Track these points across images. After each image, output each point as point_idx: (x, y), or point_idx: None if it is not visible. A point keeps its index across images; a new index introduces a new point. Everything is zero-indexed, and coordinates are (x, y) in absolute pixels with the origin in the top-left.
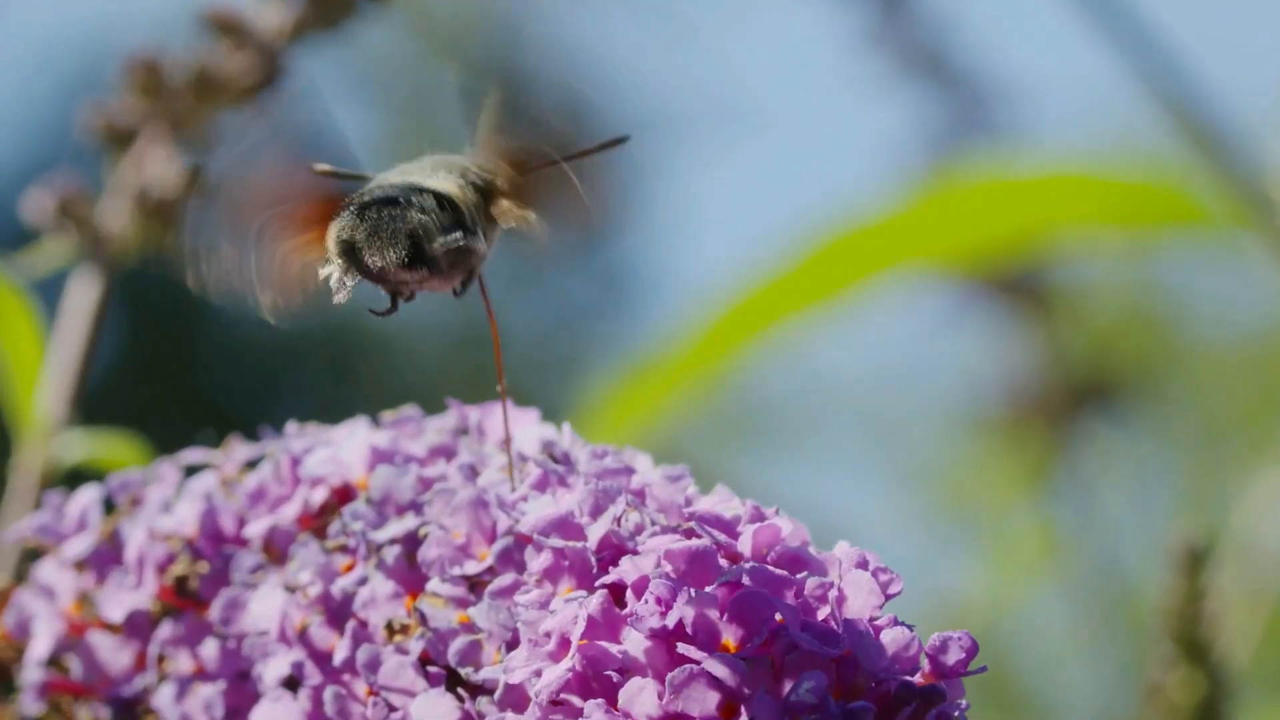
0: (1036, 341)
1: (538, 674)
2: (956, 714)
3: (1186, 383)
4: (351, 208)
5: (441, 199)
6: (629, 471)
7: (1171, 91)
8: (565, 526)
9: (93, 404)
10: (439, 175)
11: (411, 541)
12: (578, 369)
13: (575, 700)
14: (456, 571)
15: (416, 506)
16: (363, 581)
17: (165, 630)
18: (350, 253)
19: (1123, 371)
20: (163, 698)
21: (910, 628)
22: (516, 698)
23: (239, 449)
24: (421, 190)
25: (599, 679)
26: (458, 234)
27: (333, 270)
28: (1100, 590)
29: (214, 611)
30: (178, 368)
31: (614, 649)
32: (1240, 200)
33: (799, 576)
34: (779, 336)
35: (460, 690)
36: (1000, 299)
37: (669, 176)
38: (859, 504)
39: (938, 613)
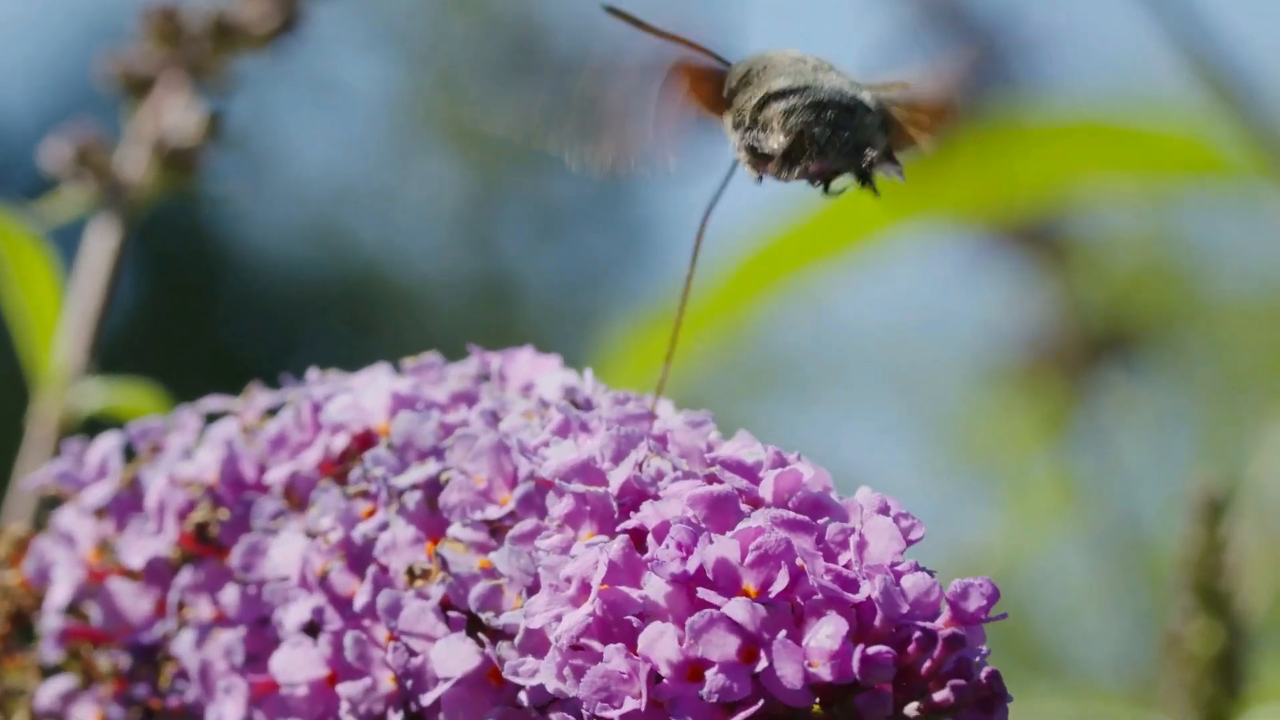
0: (1055, 292)
1: (558, 619)
2: (977, 660)
3: (1205, 334)
4: (800, 98)
5: (883, 121)
6: (651, 417)
7: (1193, 42)
8: (587, 471)
9: (110, 354)
10: (866, 94)
11: (433, 487)
12: (597, 321)
13: (595, 645)
14: (478, 516)
15: (438, 452)
16: (384, 527)
17: (185, 577)
18: (800, 143)
19: (1141, 322)
20: (183, 644)
21: (931, 573)
22: (537, 642)
23: (260, 396)
24: (869, 108)
25: (619, 624)
26: (897, 167)
27: (758, 148)
28: (1118, 541)
29: (234, 558)
30: (196, 319)
31: (634, 594)
32: (1261, 151)
33: (820, 522)
34: (798, 287)
35: (481, 635)
36: (1019, 250)
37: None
38: (878, 455)
39: (956, 563)
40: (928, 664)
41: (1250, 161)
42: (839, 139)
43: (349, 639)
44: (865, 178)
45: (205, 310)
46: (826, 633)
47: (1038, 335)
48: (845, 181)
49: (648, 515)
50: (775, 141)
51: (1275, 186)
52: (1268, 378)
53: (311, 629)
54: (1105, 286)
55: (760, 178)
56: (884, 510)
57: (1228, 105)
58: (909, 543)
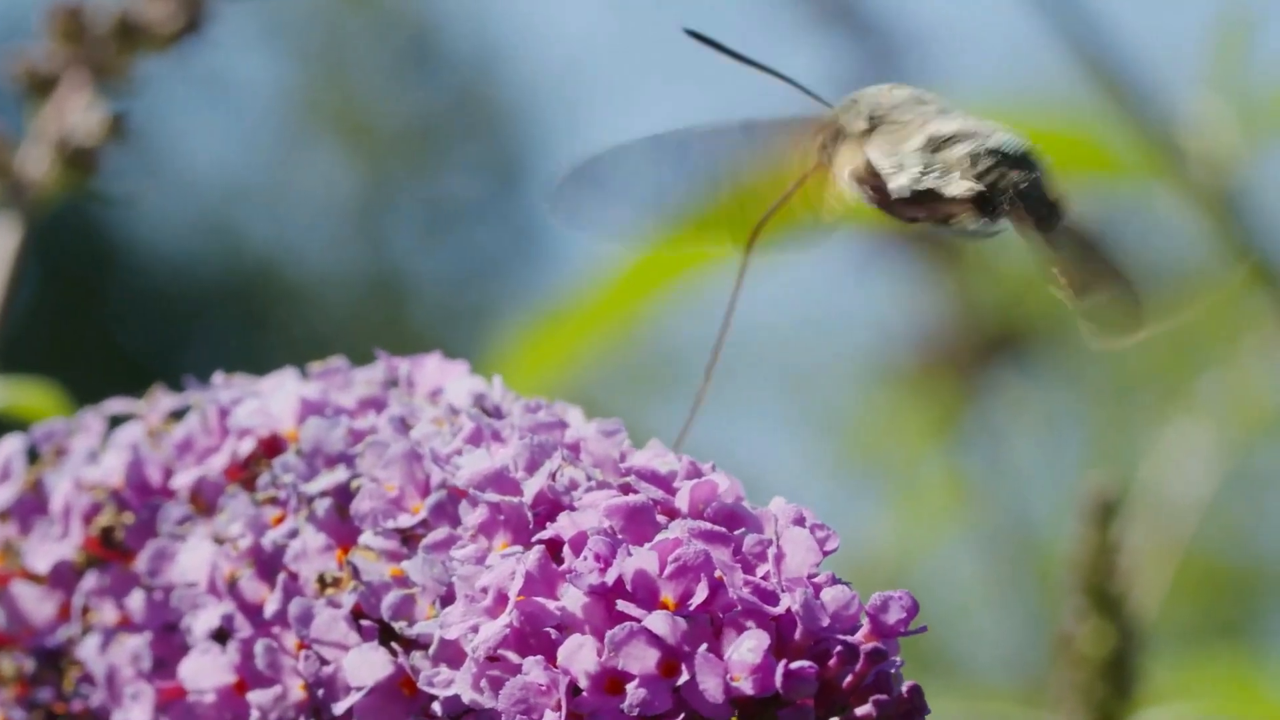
0: (947, 292)
1: (474, 629)
2: (894, 672)
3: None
4: (979, 143)
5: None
6: (563, 425)
7: (1085, 41)
8: (501, 481)
9: (5, 352)
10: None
11: (343, 494)
12: (489, 318)
13: (513, 656)
14: (389, 524)
15: (347, 459)
16: (293, 534)
17: (90, 581)
18: (991, 196)
19: (1033, 322)
20: (88, 649)
21: (849, 585)
22: (452, 653)
23: (164, 399)
24: (1038, 158)
25: (537, 635)
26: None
27: (940, 191)
28: (1009, 540)
29: (141, 562)
30: (88, 315)
31: (552, 605)
32: (1151, 149)
33: (737, 533)
34: (690, 285)
35: (393, 644)
36: (912, 249)
37: (581, 126)
38: (771, 454)
39: (849, 562)
40: (849, 678)
41: (1141, 160)
42: (1035, 188)
43: (259, 646)
44: (1047, 227)
45: (96, 307)
46: (748, 646)
47: (930, 334)
48: (1000, 227)
49: (564, 526)
50: (961, 188)
51: (1166, 186)
52: (1158, 378)
53: (220, 636)
54: (998, 286)
55: (912, 219)
56: (800, 521)
57: (1119, 105)
58: (825, 554)
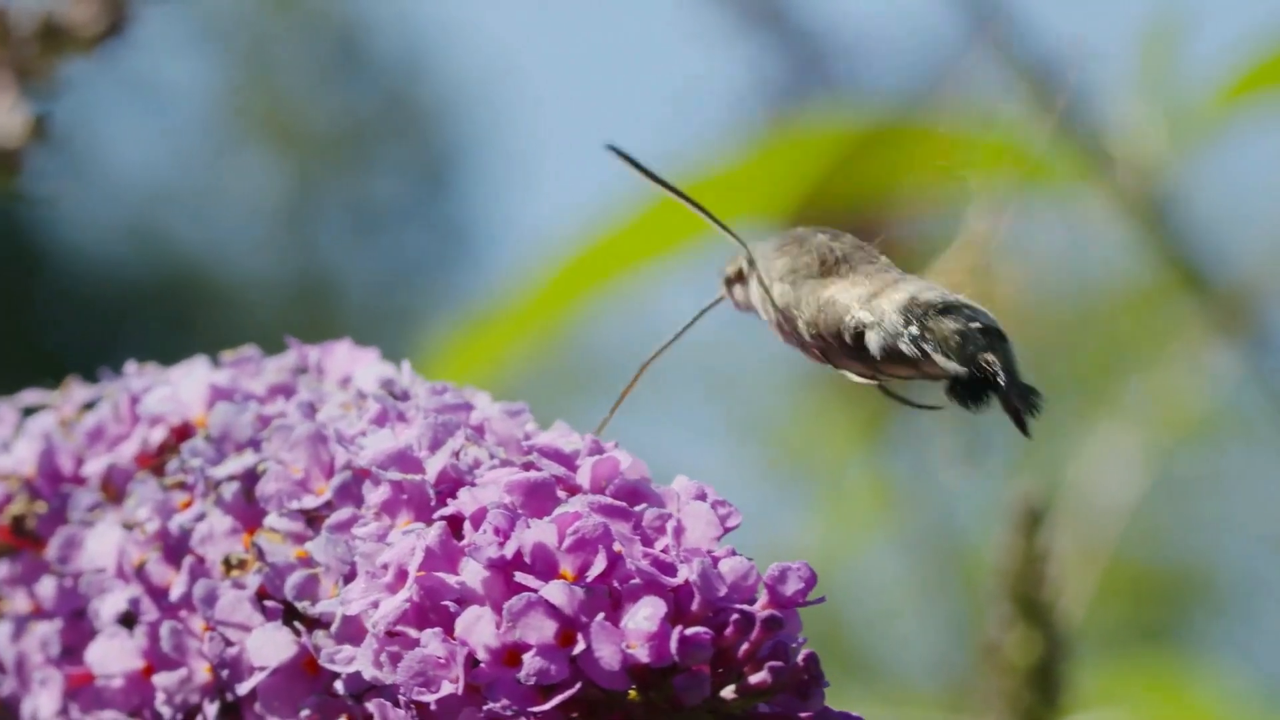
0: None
1: (375, 605)
2: (794, 645)
3: (1022, 338)
4: (967, 321)
5: None
6: (468, 407)
7: (1011, 44)
8: (404, 460)
9: None
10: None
11: (250, 478)
12: (416, 320)
13: (412, 631)
14: (294, 506)
15: (255, 444)
16: (200, 517)
17: (2, 569)
18: (985, 376)
19: None
20: (0, 637)
21: (748, 559)
22: (353, 630)
23: (77, 390)
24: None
25: (436, 609)
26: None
27: (919, 358)
28: (934, 546)
29: (51, 550)
30: (14, 318)
31: (451, 580)
32: (1080, 154)
33: (638, 508)
34: (617, 289)
35: (297, 624)
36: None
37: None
38: (696, 457)
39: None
40: (745, 646)
41: (1068, 165)
42: (1019, 377)
43: (165, 629)
44: (1020, 417)
45: (23, 309)
46: (644, 615)
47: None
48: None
49: (465, 502)
50: (953, 367)
51: (1093, 190)
52: (1085, 384)
53: (128, 620)
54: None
55: (852, 366)
56: (701, 497)
57: (1045, 109)
58: (726, 529)
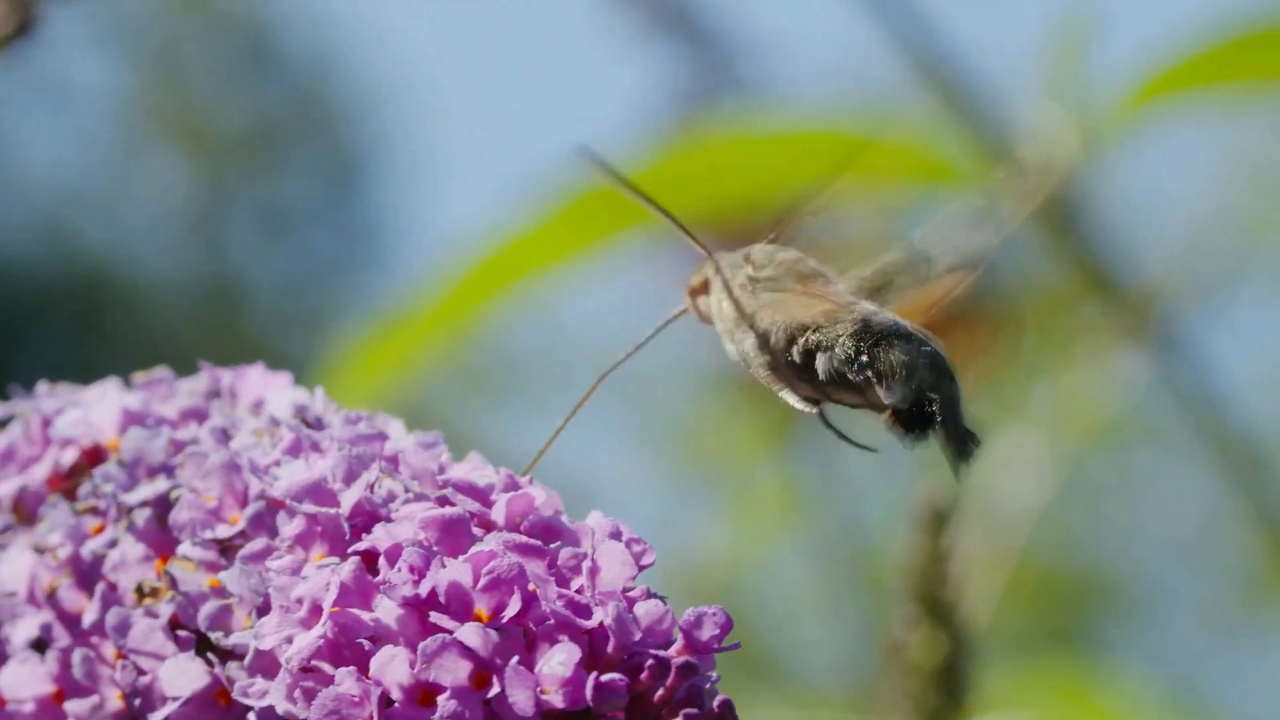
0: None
1: (289, 640)
2: (708, 686)
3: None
4: (915, 352)
5: None
6: (382, 438)
7: (921, 48)
8: (318, 492)
9: None
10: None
11: (163, 504)
12: (325, 322)
13: (326, 667)
14: (208, 535)
15: (168, 469)
16: (113, 544)
17: None
18: (926, 411)
19: None
20: None
21: (664, 600)
22: (267, 663)
23: None
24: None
25: (350, 646)
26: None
27: (861, 385)
28: (841, 548)
29: None
30: None
31: (366, 616)
32: (988, 158)
33: (552, 546)
34: (527, 291)
35: (210, 655)
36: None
37: (418, 131)
38: (604, 460)
39: (681, 568)
40: (660, 692)
41: (975, 167)
42: (960, 419)
43: (77, 656)
44: (963, 456)
45: None
46: (559, 659)
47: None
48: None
49: (380, 537)
50: (896, 397)
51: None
52: (992, 387)
53: (39, 645)
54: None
55: (800, 388)
56: (616, 535)
57: (954, 113)
58: (641, 568)
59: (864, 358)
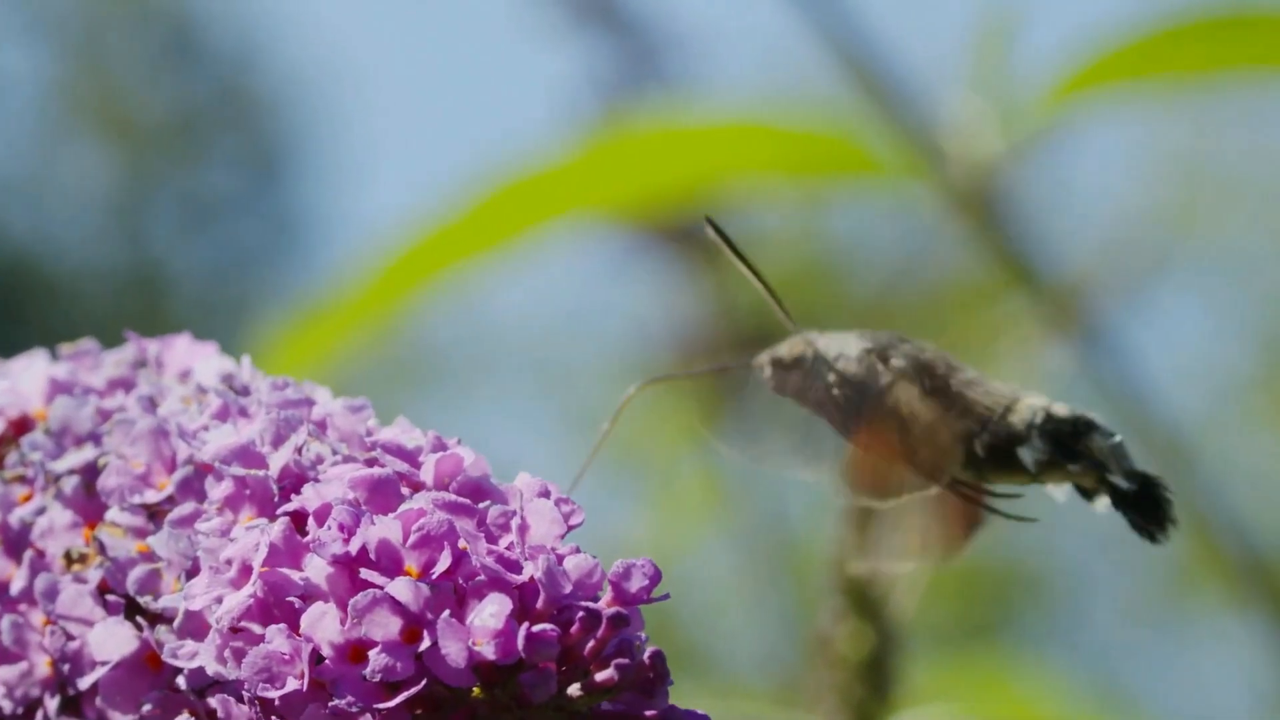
0: (705, 291)
1: (218, 601)
2: (637, 643)
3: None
4: (1111, 440)
5: None
6: (310, 403)
7: (845, 41)
8: (246, 455)
9: None
10: None
11: (91, 472)
12: (249, 311)
13: (256, 627)
14: (136, 500)
15: (96, 437)
16: (40, 511)
17: None
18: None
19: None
20: None
21: (593, 556)
22: (196, 625)
23: None
24: None
25: (280, 605)
26: None
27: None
28: (766, 540)
29: None
30: None
31: (296, 575)
32: (912, 150)
33: (482, 505)
34: (451, 282)
35: (139, 619)
36: (670, 248)
37: (343, 121)
38: (528, 450)
39: (605, 559)
40: (591, 644)
41: (901, 162)
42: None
43: (5, 623)
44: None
45: None
46: (491, 612)
47: (687, 334)
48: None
49: (309, 498)
50: (1124, 483)
51: (926, 187)
52: None
53: None
54: (753, 286)
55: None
56: (544, 494)
57: (879, 106)
58: (570, 527)
59: (1075, 446)
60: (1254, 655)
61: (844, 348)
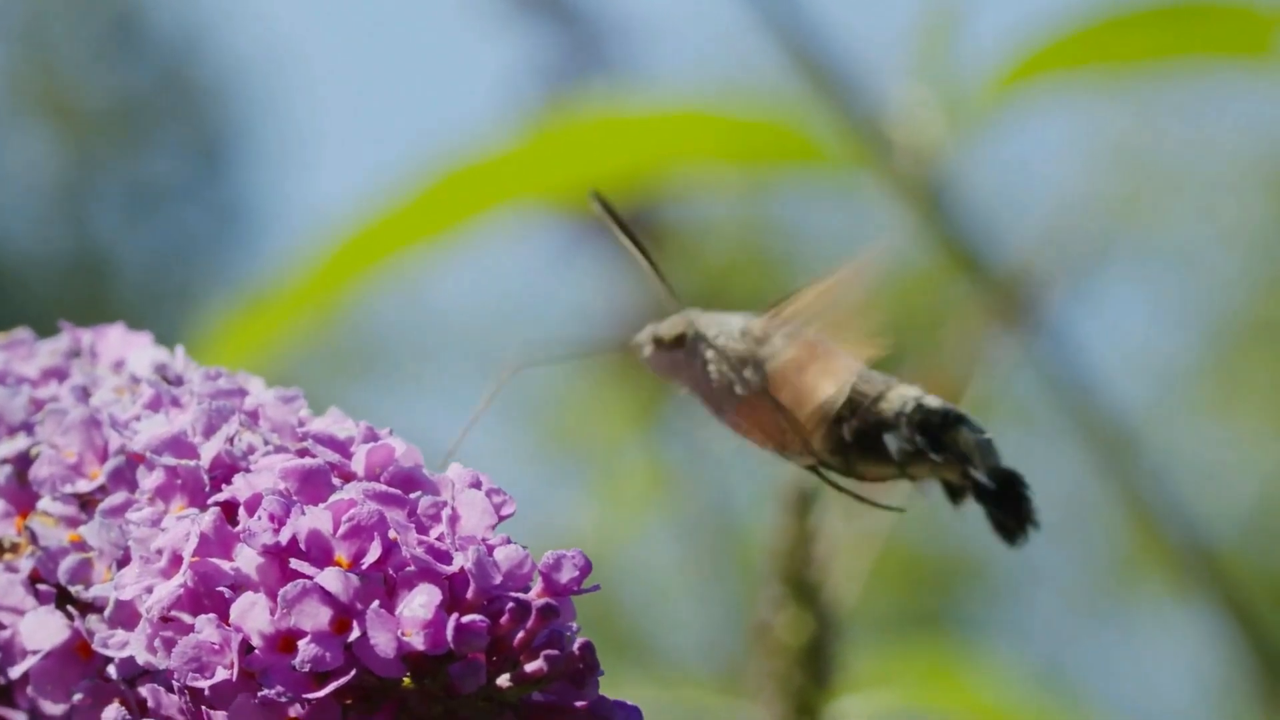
0: (649, 279)
1: (149, 590)
2: (569, 633)
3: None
4: (981, 435)
5: None
6: (242, 393)
7: (790, 30)
8: (178, 445)
9: None
10: None
11: (23, 461)
12: (194, 299)
13: (186, 617)
14: (68, 490)
15: (28, 427)
16: None
17: None
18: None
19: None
20: None
21: (524, 547)
22: (127, 614)
23: None
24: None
25: (211, 595)
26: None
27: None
28: (708, 528)
29: None
30: None
31: (226, 565)
32: (857, 139)
33: (412, 496)
34: (393, 270)
35: (70, 608)
36: (612, 236)
37: (286, 109)
38: (469, 439)
39: (546, 548)
40: (521, 635)
41: (846, 150)
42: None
43: None
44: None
45: None
46: (419, 602)
47: (631, 322)
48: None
49: (239, 488)
50: (983, 478)
51: (871, 175)
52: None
53: None
54: (701, 274)
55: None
56: (476, 485)
57: (824, 94)
58: (501, 518)
59: (942, 438)
60: (1198, 644)
61: (724, 326)
